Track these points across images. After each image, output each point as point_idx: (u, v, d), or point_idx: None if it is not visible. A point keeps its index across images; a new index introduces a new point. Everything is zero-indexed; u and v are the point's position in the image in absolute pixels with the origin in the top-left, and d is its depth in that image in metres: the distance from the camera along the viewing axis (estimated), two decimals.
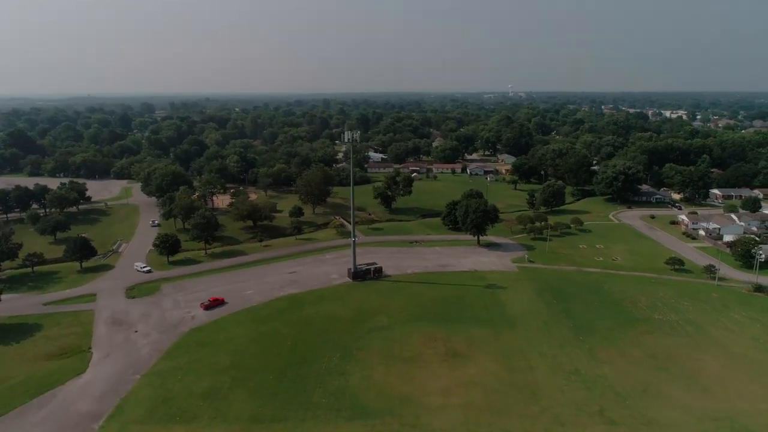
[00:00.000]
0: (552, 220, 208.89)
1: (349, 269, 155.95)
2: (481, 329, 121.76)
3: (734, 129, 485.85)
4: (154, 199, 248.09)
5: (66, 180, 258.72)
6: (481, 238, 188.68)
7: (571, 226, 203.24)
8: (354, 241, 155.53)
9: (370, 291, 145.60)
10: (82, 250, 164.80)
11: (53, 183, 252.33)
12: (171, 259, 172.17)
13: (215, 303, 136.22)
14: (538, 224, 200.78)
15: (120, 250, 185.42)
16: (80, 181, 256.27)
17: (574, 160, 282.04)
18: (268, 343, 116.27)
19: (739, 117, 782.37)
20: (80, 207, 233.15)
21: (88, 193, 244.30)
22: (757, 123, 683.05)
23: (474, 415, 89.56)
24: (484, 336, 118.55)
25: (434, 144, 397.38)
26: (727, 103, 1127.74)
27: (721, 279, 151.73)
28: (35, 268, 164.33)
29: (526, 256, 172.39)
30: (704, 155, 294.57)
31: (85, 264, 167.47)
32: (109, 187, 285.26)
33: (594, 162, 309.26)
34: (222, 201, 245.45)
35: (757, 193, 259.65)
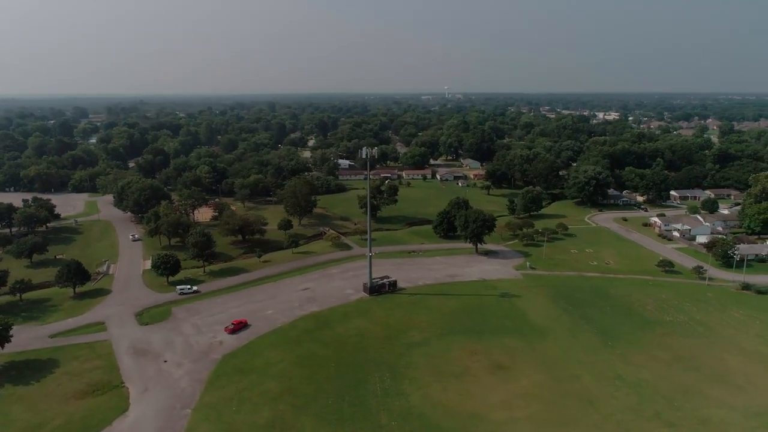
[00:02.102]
0: (536, 225, 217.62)
1: (365, 284, 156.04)
2: (513, 340, 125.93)
3: (669, 131, 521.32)
4: (126, 213, 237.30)
5: (28, 196, 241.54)
6: (478, 246, 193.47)
7: (558, 231, 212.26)
8: (370, 256, 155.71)
9: (390, 305, 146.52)
10: (77, 274, 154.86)
11: (7, 198, 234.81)
12: (171, 279, 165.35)
13: (240, 326, 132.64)
14: (527, 230, 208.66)
15: (111, 272, 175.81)
16: (44, 197, 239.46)
17: (543, 166, 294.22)
18: (311, 366, 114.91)
19: (665, 118, 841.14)
20: (48, 225, 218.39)
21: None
22: (683, 124, 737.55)
23: (543, 428, 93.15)
24: (520, 347, 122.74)
25: (399, 150, 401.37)
26: (651, 105, 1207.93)
27: (709, 279, 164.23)
28: (23, 296, 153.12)
29: (528, 263, 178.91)
30: (658, 158, 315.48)
31: (78, 289, 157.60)
32: (70, 202, 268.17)
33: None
34: (202, 214, 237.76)
35: (709, 193, 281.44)
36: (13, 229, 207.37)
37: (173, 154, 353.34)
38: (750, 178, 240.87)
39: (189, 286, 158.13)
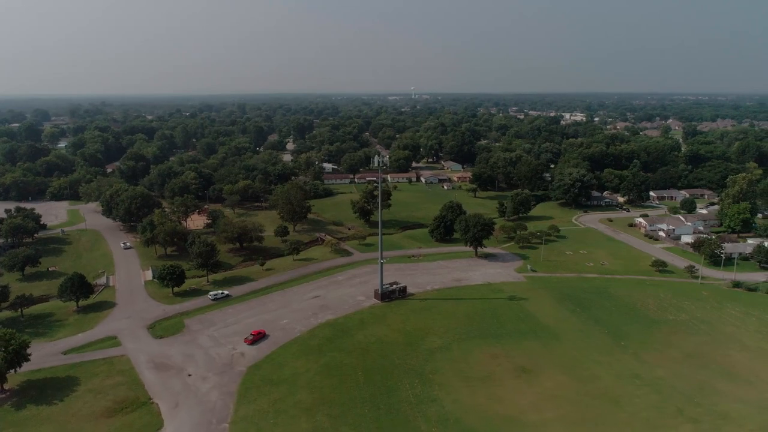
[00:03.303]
0: (527, 227, 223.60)
1: (376, 290, 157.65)
2: (530, 342, 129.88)
3: (637, 132, 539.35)
4: (113, 222, 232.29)
5: (6, 205, 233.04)
6: (477, 249, 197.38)
7: (551, 233, 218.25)
8: (382, 263, 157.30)
9: (404, 311, 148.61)
10: (80, 287, 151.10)
11: None
12: (176, 290, 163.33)
13: (259, 336, 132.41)
14: (521, 233, 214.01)
15: (111, 284, 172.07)
16: (28, 206, 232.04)
17: (527, 168, 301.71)
18: (339, 375, 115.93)
19: (629, 119, 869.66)
20: (35, 236, 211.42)
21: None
22: (647, 124, 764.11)
23: (576, 429, 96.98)
24: (537, 349, 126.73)
25: (382, 153, 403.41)
26: (612, 105, 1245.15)
27: (701, 278, 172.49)
28: (24, 311, 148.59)
29: (528, 266, 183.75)
30: (635, 160, 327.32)
31: (81, 302, 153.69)
32: (51, 211, 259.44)
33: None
34: (194, 222, 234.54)
35: (684, 193, 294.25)
36: None
37: (153, 159, 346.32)
38: (728, 179, 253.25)
39: (222, 291, 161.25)
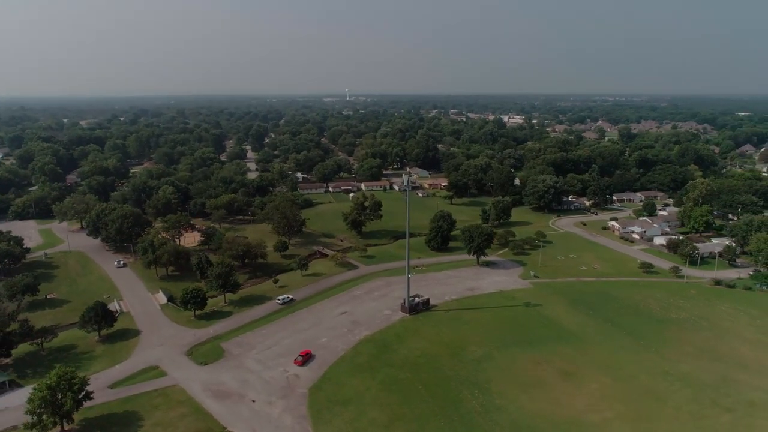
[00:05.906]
0: (513, 233, 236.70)
1: (402, 303, 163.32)
2: (562, 347, 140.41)
3: (582, 137, 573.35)
4: (97, 241, 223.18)
5: None
6: (479, 258, 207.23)
7: (539, 239, 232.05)
8: (408, 277, 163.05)
9: (434, 323, 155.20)
10: (105, 317, 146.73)
11: None
12: (197, 313, 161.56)
13: (307, 357, 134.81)
14: (513, 240, 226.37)
15: (126, 310, 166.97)
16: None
17: (500, 175, 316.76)
18: (401, 390, 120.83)
19: (562, 120, 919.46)
20: (21, 261, 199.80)
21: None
22: (580, 126, 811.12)
23: (639, 426, 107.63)
24: (571, 353, 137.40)
25: (352, 161, 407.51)
26: (543, 107, 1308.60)
27: (681, 276, 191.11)
28: (45, 345, 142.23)
29: (532, 272, 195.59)
30: (593, 165, 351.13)
31: (102, 332, 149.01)
32: (21, 232, 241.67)
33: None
34: (186, 239, 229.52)
35: (640, 195, 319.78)
36: None
37: (114, 172, 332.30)
38: (688, 184, 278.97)
39: (287, 296, 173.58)
